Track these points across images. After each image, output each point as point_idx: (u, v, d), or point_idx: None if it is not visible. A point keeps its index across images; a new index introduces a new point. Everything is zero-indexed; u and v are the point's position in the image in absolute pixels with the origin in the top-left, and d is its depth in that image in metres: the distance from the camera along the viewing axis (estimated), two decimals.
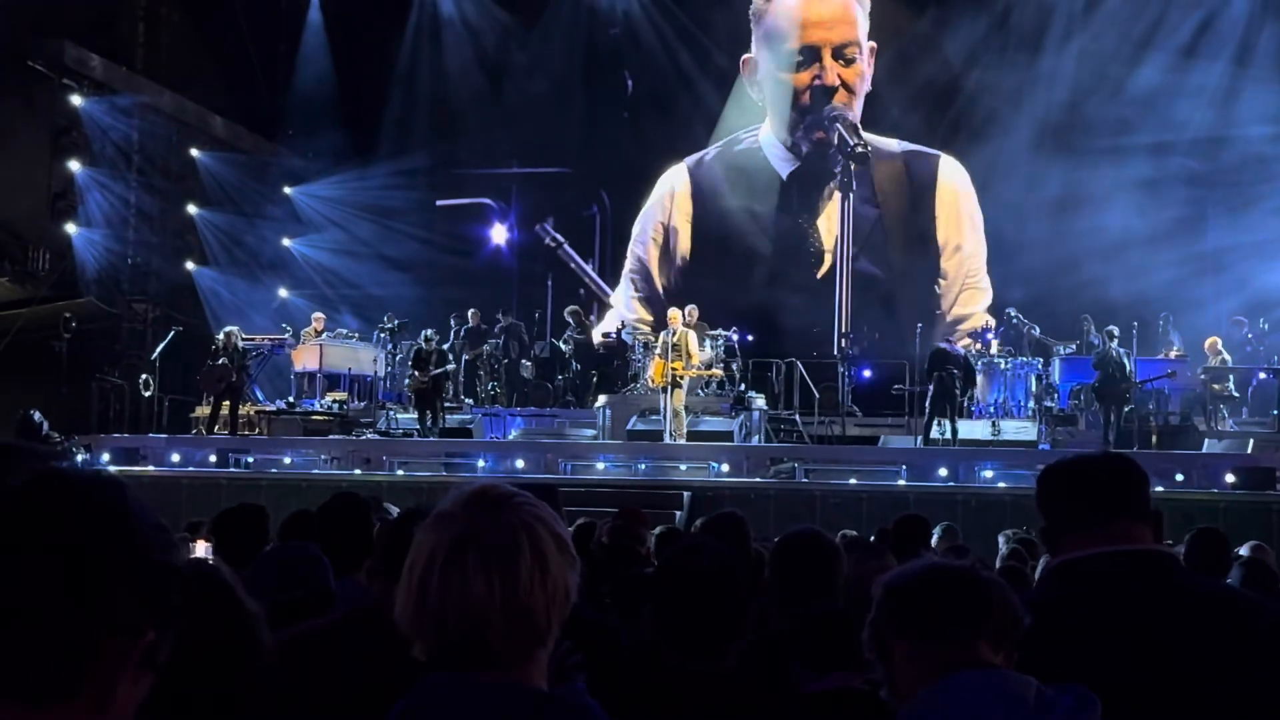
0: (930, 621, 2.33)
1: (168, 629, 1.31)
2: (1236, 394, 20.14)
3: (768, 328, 24.05)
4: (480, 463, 18.30)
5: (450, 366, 21.01)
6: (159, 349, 22.60)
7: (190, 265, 26.52)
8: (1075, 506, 2.91)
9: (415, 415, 20.64)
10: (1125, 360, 18.99)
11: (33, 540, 1.23)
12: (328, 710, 2.55)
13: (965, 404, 20.01)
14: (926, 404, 19.05)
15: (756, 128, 27.71)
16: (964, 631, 2.32)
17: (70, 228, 23.78)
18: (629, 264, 28.21)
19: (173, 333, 22.78)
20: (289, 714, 2.53)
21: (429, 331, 21.26)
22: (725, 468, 17.86)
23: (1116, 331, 19.35)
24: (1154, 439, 18.91)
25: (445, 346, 20.91)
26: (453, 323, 23.51)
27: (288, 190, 28.59)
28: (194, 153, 26.80)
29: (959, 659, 2.29)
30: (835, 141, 25.60)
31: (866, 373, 22.48)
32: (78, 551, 1.23)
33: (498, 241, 28.95)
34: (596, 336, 24.61)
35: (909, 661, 2.35)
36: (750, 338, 22.28)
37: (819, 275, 26.59)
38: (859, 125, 25.96)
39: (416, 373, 20.32)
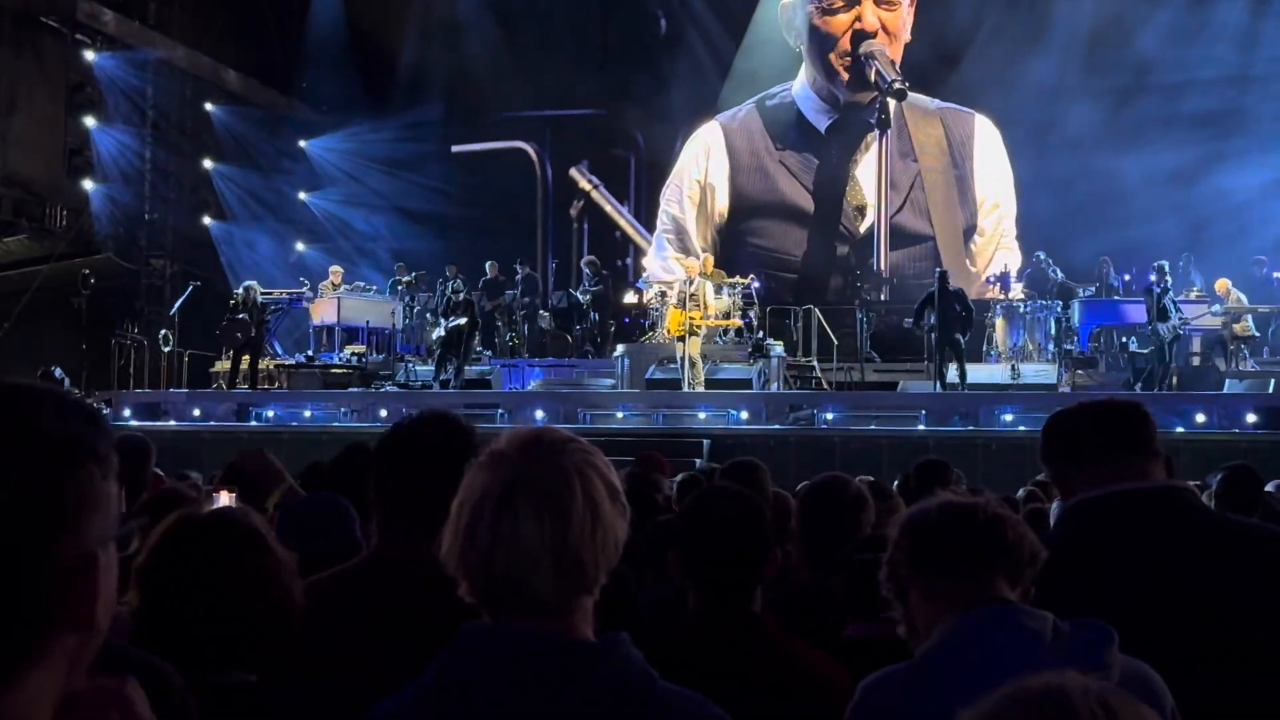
0: (946, 559, 2.33)
1: (109, 542, 1.30)
2: (1257, 333, 20.04)
3: (811, 286, 24.06)
4: (500, 413, 18.36)
5: (462, 320, 21.02)
6: (177, 304, 22.66)
7: (207, 220, 26.55)
8: (1088, 448, 2.94)
9: (434, 365, 20.65)
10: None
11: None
12: (341, 658, 2.57)
13: (982, 346, 20.03)
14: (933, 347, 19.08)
15: (788, 84, 27.39)
16: (980, 568, 2.32)
17: (87, 184, 23.79)
18: (662, 223, 27.93)
19: (190, 288, 22.83)
20: (306, 662, 2.56)
21: (456, 282, 21.30)
22: (744, 415, 17.89)
23: (1167, 267, 18.99)
24: (1174, 380, 18.85)
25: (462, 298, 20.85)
26: (447, 274, 23.36)
27: (302, 144, 28.54)
28: (208, 107, 26.76)
29: (976, 596, 2.30)
30: (873, 78, 25.30)
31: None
32: (50, 474, 1.24)
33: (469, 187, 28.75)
34: (629, 295, 24.72)
35: (926, 600, 2.36)
36: (758, 286, 22.15)
37: (861, 230, 26.43)
38: (896, 63, 25.66)
39: (439, 323, 20.37)
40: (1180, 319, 18.57)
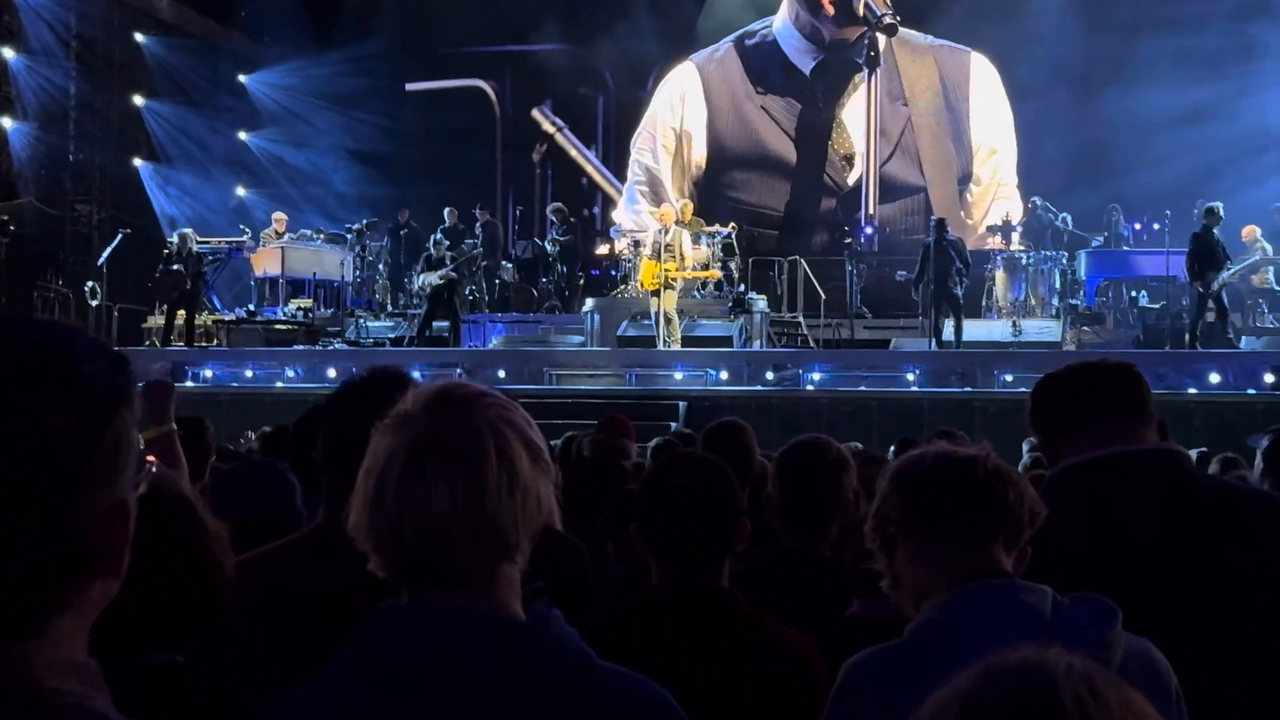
0: (940, 522, 2.33)
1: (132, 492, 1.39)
2: (1278, 286, 20.08)
3: (794, 243, 24.09)
4: (458, 372, 18.34)
5: (475, 251, 21.06)
6: (105, 253, 22.48)
7: (138, 162, 26.35)
8: (1077, 412, 2.98)
9: (398, 323, 20.63)
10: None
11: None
12: (283, 633, 2.58)
13: (981, 301, 20.11)
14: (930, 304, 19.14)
15: (769, 20, 27.27)
16: (977, 533, 2.33)
17: (5, 122, 23.57)
18: (634, 174, 27.78)
19: (120, 235, 22.64)
20: (245, 636, 2.57)
21: (437, 236, 21.33)
22: (724, 375, 17.92)
23: (1220, 208, 18.67)
24: (1186, 338, 18.95)
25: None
26: (399, 219, 23.31)
27: (242, 79, 28.30)
28: (138, 38, 26.50)
29: (969, 565, 2.31)
30: (861, 11, 25.17)
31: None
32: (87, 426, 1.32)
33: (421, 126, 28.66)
34: (601, 246, 24.72)
35: (916, 563, 2.36)
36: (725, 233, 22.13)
37: (849, 182, 26.39)
38: None
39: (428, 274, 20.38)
40: (1230, 268, 18.36)
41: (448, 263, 20.31)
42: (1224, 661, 2.62)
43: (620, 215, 27.28)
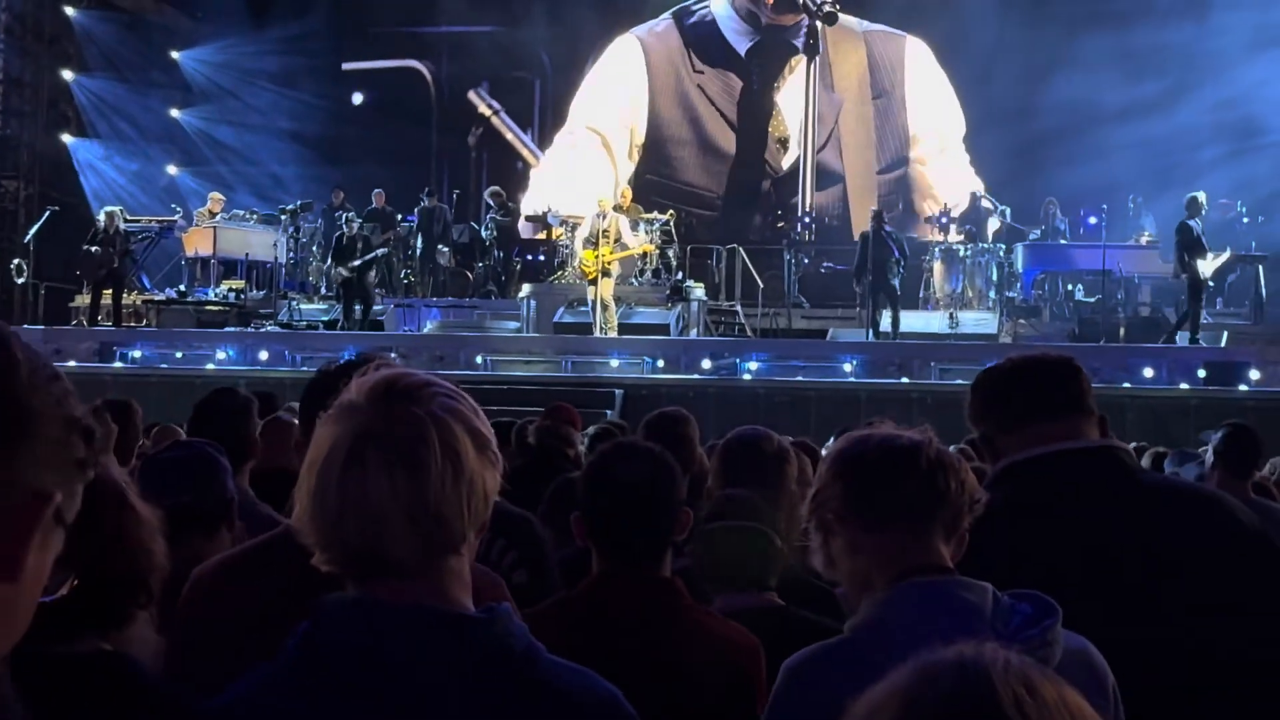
0: (881, 512, 2.31)
1: (74, 483, 1.29)
2: (1212, 283, 20.28)
3: (730, 226, 24.11)
4: (392, 358, 18.24)
5: (381, 252, 20.87)
6: (32, 231, 22.20)
7: (67, 138, 25.99)
8: (1016, 408, 2.98)
9: (340, 308, 20.43)
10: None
11: None
12: (258, 637, 2.55)
13: (919, 293, 20.24)
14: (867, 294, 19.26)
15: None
16: (918, 526, 2.31)
17: None
18: (569, 139, 27.57)
19: (47, 213, 22.35)
20: (219, 640, 2.54)
21: (350, 214, 21.10)
22: (661, 363, 17.93)
23: (1203, 198, 18.65)
24: (1121, 331, 19.16)
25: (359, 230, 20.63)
26: (333, 200, 23.12)
27: (175, 55, 27.96)
28: (68, 11, 26.13)
29: (908, 559, 2.29)
30: (801, 0, 25.26)
31: (806, 260, 22.56)
32: None
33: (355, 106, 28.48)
34: (523, 225, 24.54)
35: (855, 552, 2.34)
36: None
37: (784, 165, 26.40)
38: None
39: (338, 265, 20.13)
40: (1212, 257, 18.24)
41: (359, 246, 20.09)
42: (1167, 659, 2.64)
43: (544, 189, 26.83)
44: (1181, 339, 18.06)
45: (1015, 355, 3.14)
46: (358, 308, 20.12)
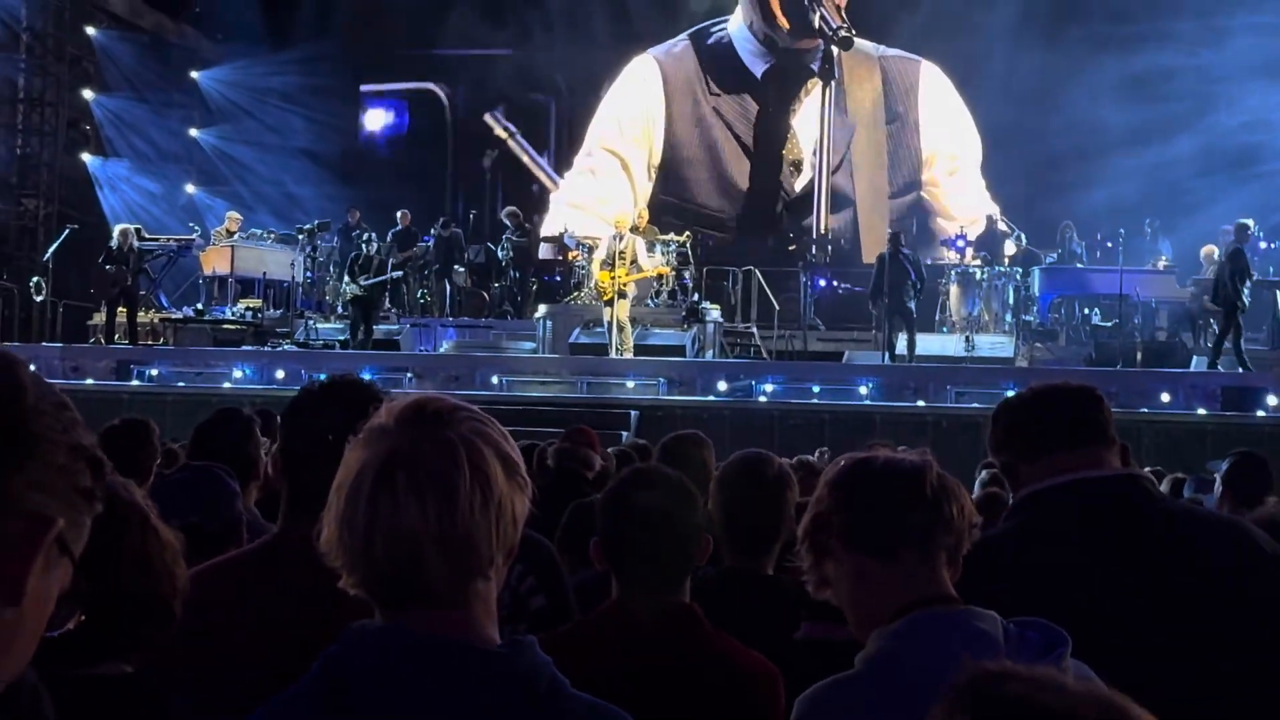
0: (884, 540, 2.28)
1: (79, 513, 1.30)
2: (1215, 306, 20.16)
3: (745, 249, 24.12)
4: (408, 377, 18.26)
5: (396, 274, 20.93)
6: (51, 249, 22.28)
7: (86, 157, 26.10)
8: (1038, 437, 2.97)
9: (347, 325, 20.49)
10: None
11: None
12: (234, 647, 2.54)
13: (935, 315, 20.22)
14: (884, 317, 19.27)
15: (725, 20, 27.24)
16: (923, 554, 2.29)
17: None
18: (586, 162, 27.63)
19: (66, 231, 22.43)
20: (195, 650, 2.53)
21: (369, 233, 21.15)
22: (676, 385, 17.90)
23: (1253, 225, 18.68)
24: (1138, 356, 19.10)
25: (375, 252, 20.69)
26: (349, 219, 23.18)
27: (194, 75, 28.10)
28: (90, 31, 26.27)
29: (917, 591, 2.27)
30: (818, 24, 25.21)
31: (822, 282, 22.57)
32: None
33: (372, 128, 28.49)
34: (542, 247, 24.58)
35: (859, 580, 2.32)
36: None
37: (796, 188, 26.40)
38: (842, 8, 25.59)
39: (352, 281, 20.18)
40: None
41: (375, 266, 20.13)
42: (1188, 686, 2.62)
43: (562, 204, 26.99)
44: (1197, 363, 18.03)
45: (1037, 384, 3.13)
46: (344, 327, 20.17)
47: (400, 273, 21.31)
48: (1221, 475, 6.07)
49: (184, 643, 2.52)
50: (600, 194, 26.72)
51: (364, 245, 20.65)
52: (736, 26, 27.13)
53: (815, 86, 25.92)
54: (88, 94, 26.21)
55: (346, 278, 20.58)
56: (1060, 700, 1.28)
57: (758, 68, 26.87)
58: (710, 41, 27.35)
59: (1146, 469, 7.66)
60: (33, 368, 1.32)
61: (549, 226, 26.05)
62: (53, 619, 1.33)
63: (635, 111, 27.51)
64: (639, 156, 27.40)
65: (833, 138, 25.67)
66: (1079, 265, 21.63)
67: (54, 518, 1.26)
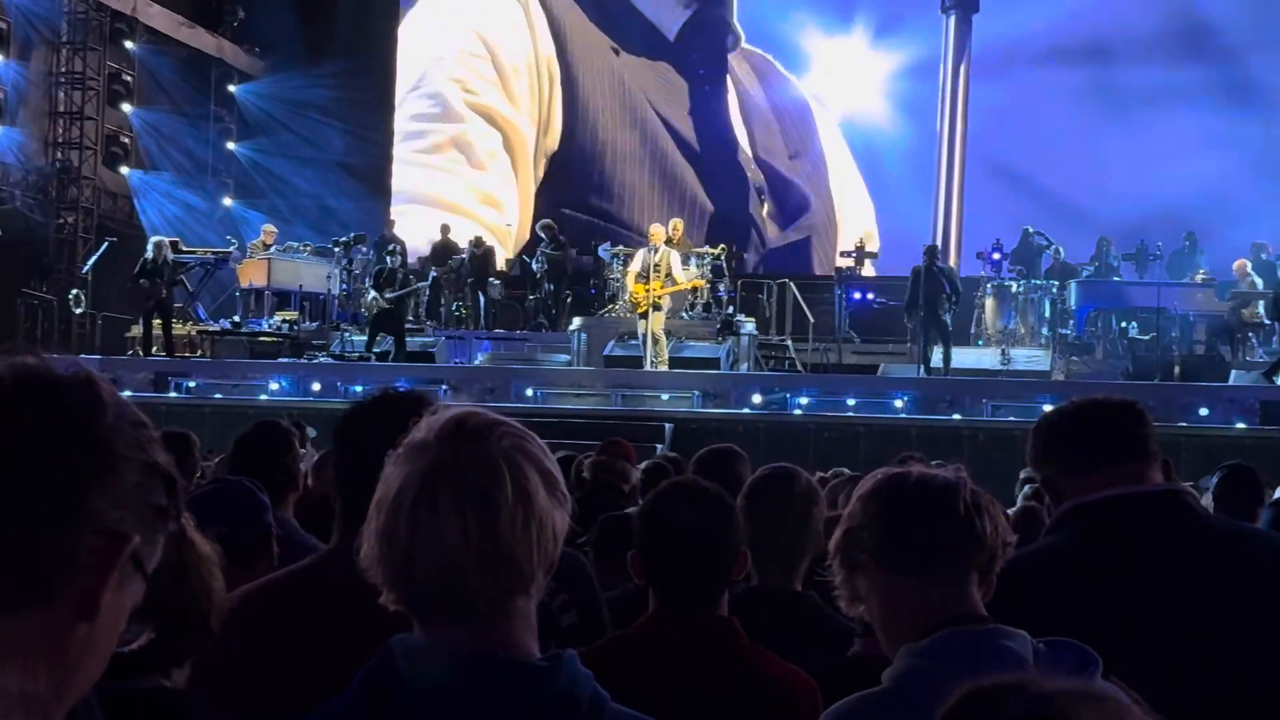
0: (917, 557, 2.27)
1: (154, 531, 1.32)
2: (1268, 321, 20.07)
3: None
4: (443, 389, 18.29)
5: (421, 285, 20.96)
6: (90, 262, 22.43)
7: (125, 170, 26.28)
8: (1079, 451, 2.95)
9: (383, 338, 20.57)
10: None
11: None
12: (286, 664, 2.54)
13: (970, 329, 20.15)
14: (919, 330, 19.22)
15: None
16: (954, 571, 2.27)
17: None
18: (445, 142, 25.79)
19: (105, 244, 22.59)
20: (247, 667, 2.53)
21: (394, 246, 21.21)
22: (711, 398, 17.88)
23: None
24: (1176, 370, 18.96)
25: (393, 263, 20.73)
26: (385, 233, 23.20)
27: (232, 88, 28.28)
28: (128, 45, 26.46)
29: (948, 609, 2.25)
30: None
31: (857, 295, 22.46)
32: (46, 449, 1.25)
33: None
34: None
35: (889, 595, 2.31)
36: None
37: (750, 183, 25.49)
38: None
39: (377, 293, 20.25)
40: None
41: (398, 279, 20.19)
42: (1226, 711, 2.59)
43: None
44: (1236, 376, 17.91)
45: (1078, 398, 3.10)
46: (388, 339, 20.18)
47: (424, 285, 21.30)
48: (1212, 490, 5.99)
49: (237, 661, 2.53)
50: (471, 184, 24.34)
51: (388, 258, 20.71)
52: None
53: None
54: (126, 107, 26.40)
55: (372, 292, 20.64)
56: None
57: (671, 21, 25.17)
58: None
59: (1187, 484, 7.62)
60: (113, 383, 1.35)
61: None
62: (123, 636, 1.35)
63: (517, 49, 25.44)
64: (529, 130, 25.47)
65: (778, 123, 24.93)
66: (1116, 279, 21.52)
67: (130, 534, 1.28)
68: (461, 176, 24.84)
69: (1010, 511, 6.43)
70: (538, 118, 24.52)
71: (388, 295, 20.06)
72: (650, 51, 24.72)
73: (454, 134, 25.41)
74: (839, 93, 26.01)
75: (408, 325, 21.13)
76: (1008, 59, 24.69)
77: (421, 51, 26.22)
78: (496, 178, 24.44)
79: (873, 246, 22.79)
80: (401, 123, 26.08)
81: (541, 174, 24.85)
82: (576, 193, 23.85)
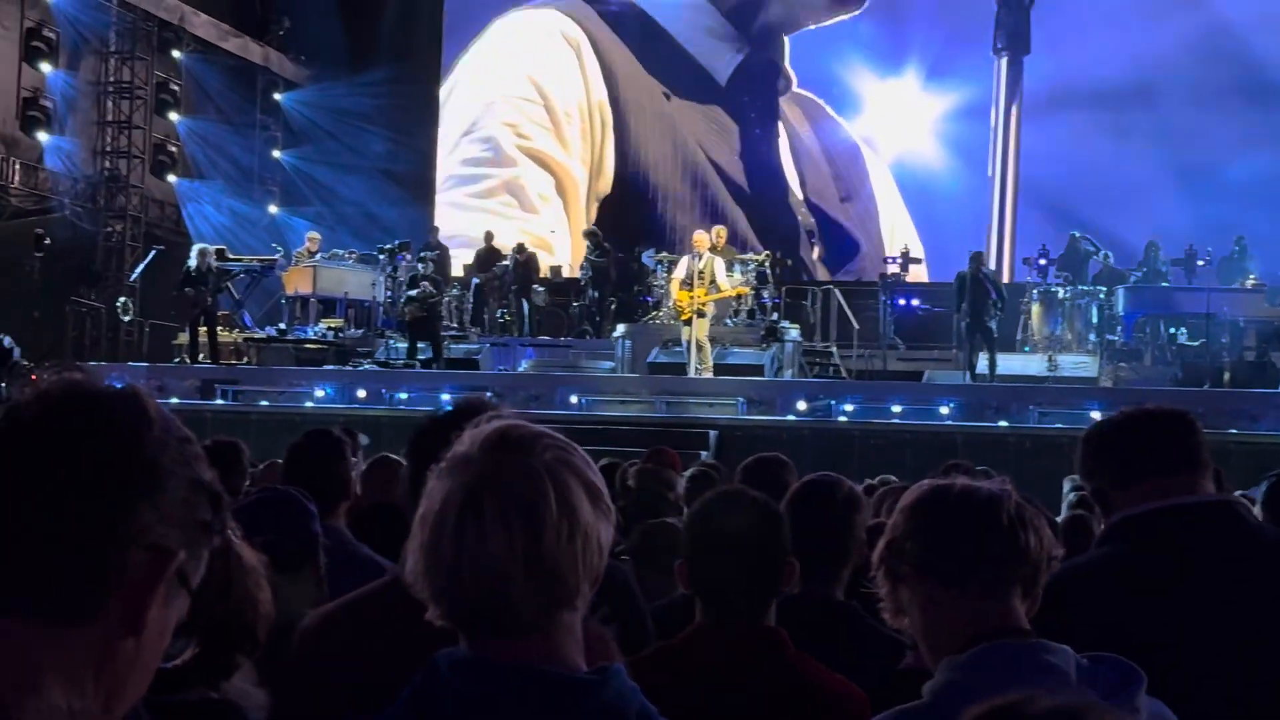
0: (960, 568, 2.25)
1: (198, 546, 1.33)
2: None
3: None
4: (487, 397, 18.31)
5: (453, 292, 21.03)
6: (138, 270, 22.63)
7: (172, 178, 26.49)
8: (1130, 461, 2.92)
9: (426, 346, 20.67)
10: None
11: (46, 454, 1.26)
12: (361, 685, 2.54)
13: (1016, 335, 20.03)
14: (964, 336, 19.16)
15: None
16: (997, 584, 2.25)
17: (42, 136, 23.72)
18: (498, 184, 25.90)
19: (153, 252, 22.78)
20: (323, 688, 2.53)
21: (425, 254, 21.31)
22: (755, 405, 17.85)
23: None
24: (1226, 376, 18.79)
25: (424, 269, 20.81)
26: (429, 240, 23.28)
27: (278, 96, 28.47)
28: (175, 54, 26.68)
29: (985, 620, 2.23)
30: None
31: (902, 301, 22.35)
32: (94, 466, 1.26)
33: None
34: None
35: (930, 607, 2.29)
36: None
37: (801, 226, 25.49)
38: None
39: (408, 304, 20.37)
40: None
41: (427, 287, 20.27)
42: None
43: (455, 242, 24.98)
44: None
45: (1128, 408, 3.07)
46: (424, 347, 20.27)
47: (452, 290, 21.35)
48: (1261, 499, 5.91)
49: (306, 680, 2.53)
50: (524, 227, 23.81)
51: (419, 265, 20.79)
52: None
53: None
54: (173, 116, 26.61)
55: (404, 299, 20.74)
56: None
57: (721, 67, 25.20)
58: (614, 7, 25.07)
59: (1237, 493, 7.53)
60: (158, 400, 1.36)
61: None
62: (168, 651, 1.36)
63: (570, 94, 25.58)
64: (581, 174, 25.69)
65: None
66: (1164, 284, 21.35)
67: (175, 550, 1.30)
68: (514, 220, 24.91)
69: (1059, 520, 6.38)
70: (590, 161, 24.57)
71: (405, 300, 20.15)
72: (701, 95, 24.67)
73: (506, 178, 25.47)
74: (891, 134, 25.89)
75: (452, 332, 21.19)
76: (1059, 100, 24.55)
77: (475, 97, 26.47)
78: (549, 221, 24.39)
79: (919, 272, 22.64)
80: (454, 167, 26.27)
81: (594, 217, 24.83)
82: (628, 236, 23.74)
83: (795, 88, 25.52)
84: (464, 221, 24.17)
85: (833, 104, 25.49)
